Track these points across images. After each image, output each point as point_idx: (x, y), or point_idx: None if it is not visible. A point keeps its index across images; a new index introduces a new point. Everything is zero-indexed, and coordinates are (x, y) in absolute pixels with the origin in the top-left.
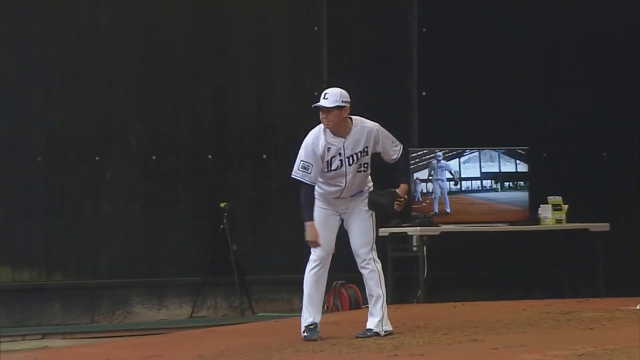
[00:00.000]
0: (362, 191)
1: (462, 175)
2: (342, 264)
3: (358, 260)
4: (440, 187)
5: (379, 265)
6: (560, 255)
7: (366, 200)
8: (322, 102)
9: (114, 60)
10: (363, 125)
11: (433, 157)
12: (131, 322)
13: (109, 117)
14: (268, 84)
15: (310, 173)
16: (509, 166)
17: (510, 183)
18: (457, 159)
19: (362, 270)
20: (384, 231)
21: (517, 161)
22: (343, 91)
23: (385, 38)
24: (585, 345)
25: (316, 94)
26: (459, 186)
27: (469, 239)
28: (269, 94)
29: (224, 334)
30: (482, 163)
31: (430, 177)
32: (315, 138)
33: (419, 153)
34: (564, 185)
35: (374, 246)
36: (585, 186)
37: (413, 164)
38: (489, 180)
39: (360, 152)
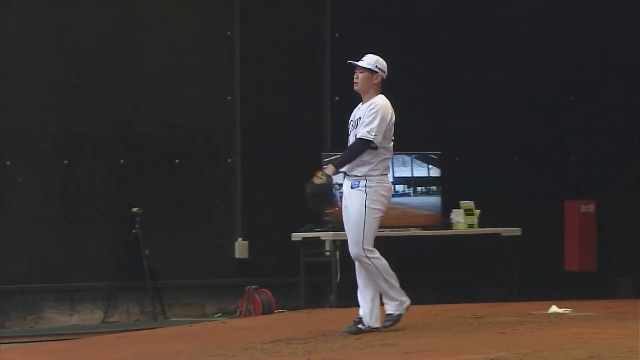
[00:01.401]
0: (358, 181)
1: None
2: (255, 269)
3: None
4: None
5: (375, 260)
6: (473, 260)
7: (363, 196)
8: (360, 62)
9: (27, 63)
10: (376, 98)
11: None
12: (43, 327)
13: (21, 122)
14: (181, 88)
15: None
16: (421, 171)
17: (423, 188)
18: None
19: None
20: (297, 236)
21: (430, 166)
22: (381, 60)
23: (298, 43)
24: (497, 350)
25: (229, 98)
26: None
27: (382, 244)
28: (182, 98)
29: (136, 339)
30: (394, 168)
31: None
32: None
33: (331, 158)
34: (476, 190)
35: (365, 243)
36: (497, 191)
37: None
38: (402, 185)
39: (357, 120)
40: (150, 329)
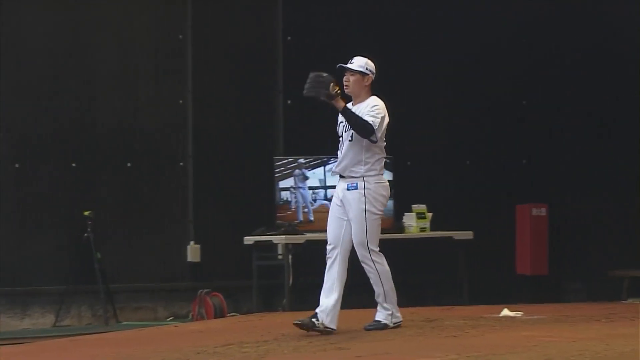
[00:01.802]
0: (355, 183)
1: (328, 184)
2: (207, 273)
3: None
4: (302, 196)
5: (377, 265)
6: (425, 264)
7: (362, 198)
8: (349, 65)
9: None
10: (369, 99)
11: (297, 166)
12: None
13: None
14: (133, 91)
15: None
16: None
17: None
18: (323, 167)
19: (363, 266)
20: (249, 240)
21: None
22: (370, 61)
23: (250, 47)
24: (448, 353)
25: (181, 102)
26: (324, 194)
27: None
28: (134, 102)
29: (88, 343)
30: None
31: (294, 186)
32: None
33: (284, 162)
34: (429, 193)
35: (370, 244)
36: (450, 194)
37: (278, 172)
38: None
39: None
40: (102, 332)
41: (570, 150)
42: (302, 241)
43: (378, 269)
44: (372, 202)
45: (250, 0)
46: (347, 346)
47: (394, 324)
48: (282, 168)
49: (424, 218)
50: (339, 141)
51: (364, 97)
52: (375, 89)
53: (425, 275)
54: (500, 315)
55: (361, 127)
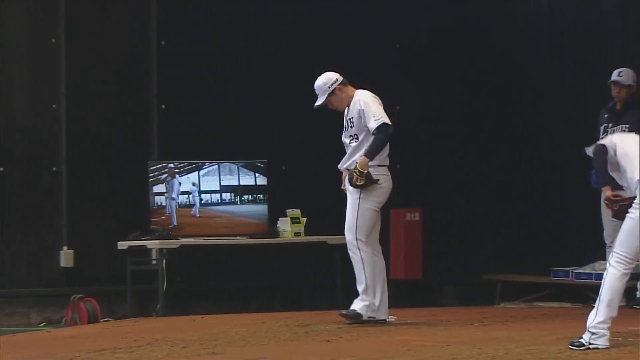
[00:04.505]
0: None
1: (202, 188)
2: (81, 278)
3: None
4: (174, 201)
5: (363, 253)
6: (300, 269)
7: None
8: (317, 102)
9: None
10: (355, 96)
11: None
12: None
13: None
14: (5, 95)
15: None
16: (247, 179)
17: (249, 196)
18: (197, 172)
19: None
20: (123, 244)
21: (256, 174)
22: (325, 77)
23: (124, 51)
24: (322, 357)
25: (54, 106)
26: (198, 199)
27: (210, 252)
28: (6, 106)
29: None
30: (221, 176)
31: (166, 191)
32: None
33: (158, 166)
34: (303, 198)
35: (358, 232)
36: (324, 199)
37: (152, 177)
38: (229, 193)
39: (349, 120)
40: None
41: (443, 154)
42: (176, 246)
43: (363, 257)
44: (366, 194)
45: (124, 4)
46: (222, 351)
47: (369, 317)
48: (157, 173)
49: (299, 223)
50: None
51: (348, 99)
52: (252, 92)
53: (301, 280)
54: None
55: (384, 139)
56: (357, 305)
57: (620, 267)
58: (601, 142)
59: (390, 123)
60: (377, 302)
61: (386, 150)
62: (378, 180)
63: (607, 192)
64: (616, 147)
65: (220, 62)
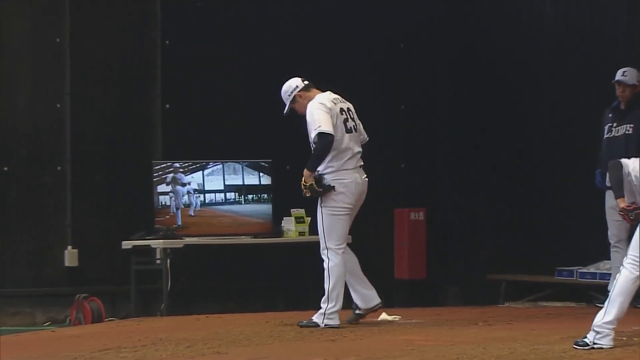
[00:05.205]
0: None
1: (206, 188)
2: (85, 277)
3: None
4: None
5: (330, 262)
6: (304, 268)
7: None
8: (285, 111)
9: None
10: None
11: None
12: None
13: None
14: (10, 95)
15: None
16: (252, 179)
17: (254, 196)
18: (201, 172)
19: None
20: (127, 244)
21: (261, 174)
22: (286, 85)
23: (129, 50)
24: (326, 357)
25: (59, 105)
26: (202, 198)
27: (214, 252)
28: (11, 105)
29: None
30: (225, 175)
31: (170, 190)
32: None
33: (162, 166)
34: (307, 198)
35: (327, 239)
36: None
37: (157, 176)
38: (233, 193)
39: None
40: None
41: (447, 154)
42: (180, 245)
43: (329, 266)
44: (326, 200)
45: (128, 4)
46: (226, 350)
47: (326, 325)
48: (161, 172)
49: (303, 222)
50: None
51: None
52: (256, 92)
53: (304, 280)
54: (379, 319)
55: (321, 150)
56: (316, 315)
57: (633, 270)
58: (618, 160)
59: (329, 131)
60: (365, 293)
61: (349, 153)
62: (333, 186)
63: (622, 204)
64: (630, 170)
65: (224, 61)
